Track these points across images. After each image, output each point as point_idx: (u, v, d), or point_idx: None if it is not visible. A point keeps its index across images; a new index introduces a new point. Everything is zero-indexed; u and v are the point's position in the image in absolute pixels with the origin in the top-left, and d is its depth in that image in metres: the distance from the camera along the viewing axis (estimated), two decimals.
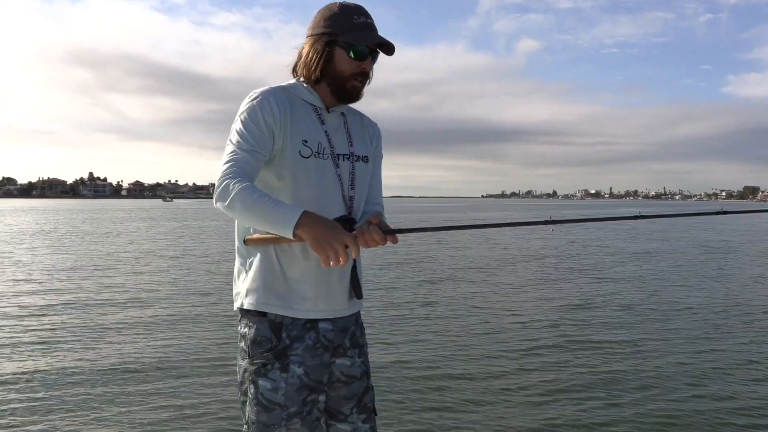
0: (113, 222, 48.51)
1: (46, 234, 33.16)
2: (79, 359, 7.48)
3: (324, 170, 2.16)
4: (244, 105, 2.12)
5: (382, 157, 2.46)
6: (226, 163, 2.02)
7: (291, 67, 2.28)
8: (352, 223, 2.10)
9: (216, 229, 39.84)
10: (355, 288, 2.22)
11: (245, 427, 2.15)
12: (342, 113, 2.30)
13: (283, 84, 2.24)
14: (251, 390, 2.11)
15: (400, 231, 2.07)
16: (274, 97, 2.13)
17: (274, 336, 2.10)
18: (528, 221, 2.31)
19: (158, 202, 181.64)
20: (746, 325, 9.74)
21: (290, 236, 1.90)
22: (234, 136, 2.06)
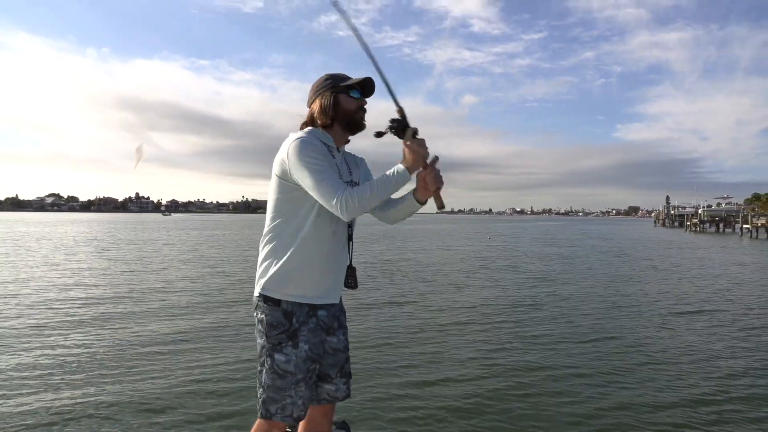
0: (147, 230, 47.72)
1: (99, 240, 32.51)
2: (126, 331, 7.27)
3: None
4: (300, 146, 2.11)
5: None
6: (330, 186, 2.07)
7: (300, 123, 2.33)
8: (402, 122, 2.15)
9: (210, 234, 39.72)
10: (353, 280, 2.32)
11: (260, 390, 2.20)
12: (342, 153, 2.36)
13: (306, 130, 2.26)
14: (268, 362, 2.18)
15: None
16: (315, 137, 2.20)
17: (287, 321, 2.18)
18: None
19: (159, 216, 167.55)
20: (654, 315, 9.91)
21: (409, 175, 2.10)
22: (316, 168, 2.08)
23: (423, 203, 2.24)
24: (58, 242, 29.35)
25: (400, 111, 2.16)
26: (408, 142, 2.11)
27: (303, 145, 2.11)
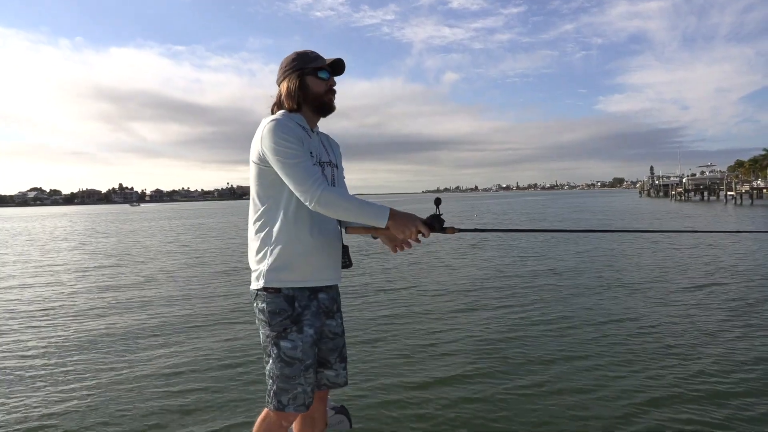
0: (128, 222, 47.04)
1: (90, 232, 31.87)
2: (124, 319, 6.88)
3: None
4: (273, 130, 2.07)
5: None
6: (303, 172, 2.03)
7: (270, 107, 2.30)
8: (442, 222, 2.07)
9: (181, 223, 38.96)
10: (347, 258, 2.30)
11: (270, 381, 2.15)
12: (317, 133, 2.32)
13: (281, 113, 2.22)
14: (274, 351, 2.13)
15: (462, 230, 2.18)
16: (289, 120, 2.14)
17: (289, 306, 2.13)
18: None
19: (127, 206, 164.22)
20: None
21: (383, 226, 2.03)
22: (289, 154, 2.05)
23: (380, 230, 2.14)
24: (40, 237, 28.64)
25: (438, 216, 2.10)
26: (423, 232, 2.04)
27: (277, 127, 2.08)
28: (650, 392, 4.47)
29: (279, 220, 2.14)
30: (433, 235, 2.07)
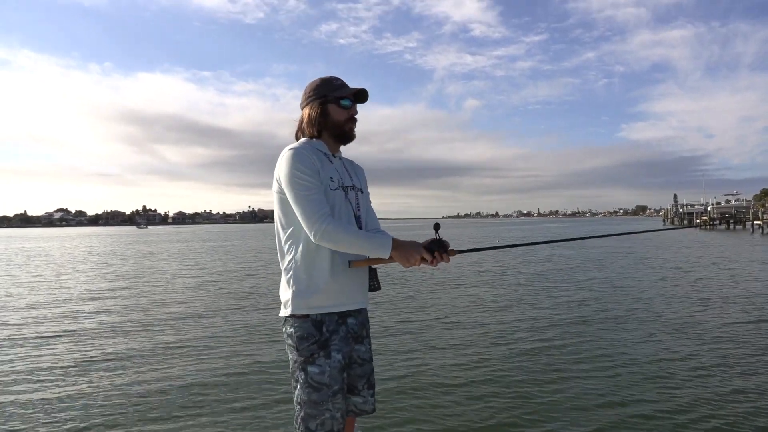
0: (146, 244, 47.67)
1: (114, 254, 32.39)
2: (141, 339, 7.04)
3: (342, 198, 2.22)
4: (290, 160, 2.11)
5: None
6: (310, 206, 2.06)
7: (293, 133, 2.34)
8: (446, 246, 2.12)
9: (194, 245, 39.61)
10: (375, 281, 2.27)
11: (297, 407, 2.12)
12: (340, 158, 2.34)
13: (301, 140, 2.27)
14: (302, 377, 2.11)
15: (462, 252, 2.22)
16: (307, 149, 2.16)
17: (317, 331, 2.12)
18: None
19: (134, 228, 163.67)
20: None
21: (386, 257, 2.07)
22: (301, 185, 2.08)
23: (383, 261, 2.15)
24: (57, 259, 29.18)
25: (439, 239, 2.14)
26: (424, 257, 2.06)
27: (293, 157, 2.10)
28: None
29: (302, 247, 2.13)
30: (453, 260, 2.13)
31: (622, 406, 4.82)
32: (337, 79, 2.29)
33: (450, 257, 2.11)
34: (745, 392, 5.14)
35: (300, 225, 2.12)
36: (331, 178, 2.19)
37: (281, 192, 2.15)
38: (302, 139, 2.27)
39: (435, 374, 5.89)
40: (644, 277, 14.93)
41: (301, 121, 2.30)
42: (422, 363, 6.35)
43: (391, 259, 2.08)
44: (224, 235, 73.87)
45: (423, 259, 2.06)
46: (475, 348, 7.05)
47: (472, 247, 2.22)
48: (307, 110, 2.26)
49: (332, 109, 2.23)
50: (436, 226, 2.18)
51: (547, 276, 15.82)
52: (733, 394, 5.12)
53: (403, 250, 2.07)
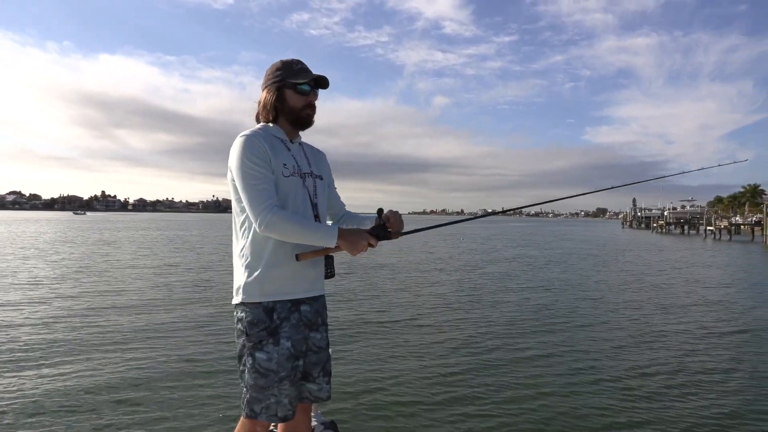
0: (85, 231, 46.41)
1: (63, 242, 31.35)
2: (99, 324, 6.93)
3: (298, 185, 2.19)
4: (240, 148, 2.09)
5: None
6: (255, 196, 2.05)
7: (254, 116, 2.31)
8: (386, 230, 2.17)
9: (130, 232, 38.77)
10: (330, 269, 2.27)
11: (244, 389, 2.14)
12: (299, 144, 2.31)
13: (256, 127, 2.22)
14: (249, 362, 2.12)
15: (408, 232, 2.26)
16: (258, 135, 2.14)
17: (267, 318, 2.12)
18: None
19: (68, 214, 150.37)
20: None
21: (333, 246, 2.09)
22: (248, 173, 2.07)
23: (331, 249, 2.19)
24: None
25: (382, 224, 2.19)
26: (373, 244, 2.13)
27: (243, 145, 2.09)
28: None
29: (256, 235, 2.12)
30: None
31: (586, 419, 4.94)
32: (299, 62, 2.25)
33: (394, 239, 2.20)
34: (698, 394, 5.42)
35: None
36: (285, 164, 2.16)
37: (234, 180, 2.13)
38: (258, 125, 2.25)
39: (390, 380, 5.97)
40: (606, 279, 15.38)
41: (259, 105, 2.28)
42: (378, 368, 6.43)
43: (338, 248, 2.10)
44: (184, 224, 72.43)
45: (369, 245, 2.12)
46: (433, 350, 7.17)
47: (416, 228, 2.27)
48: (264, 94, 2.24)
49: (289, 95, 2.21)
50: (380, 212, 2.19)
51: (512, 275, 16.11)
52: (685, 396, 5.38)
53: (349, 238, 2.09)
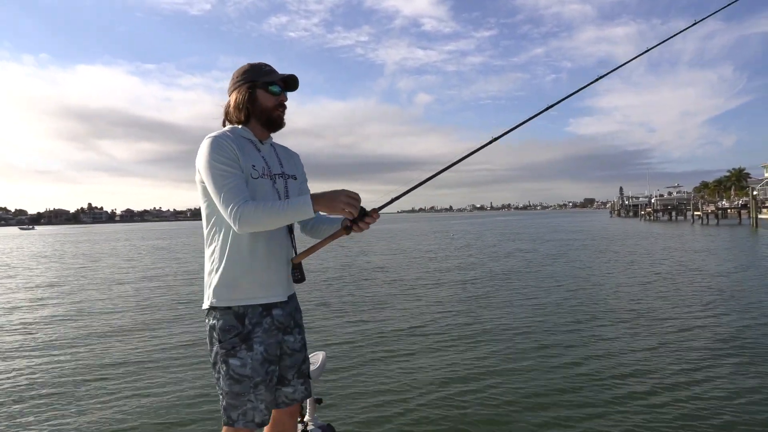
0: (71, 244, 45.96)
1: (54, 256, 30.97)
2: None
3: (267, 186, 2.16)
4: (208, 149, 2.06)
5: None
6: (227, 195, 2.01)
7: (221, 120, 2.28)
8: (363, 210, 2.09)
9: (86, 244, 38.32)
10: (299, 272, 2.23)
11: (220, 397, 2.13)
12: (271, 144, 2.30)
13: (224, 129, 2.19)
14: (223, 368, 2.10)
15: (381, 207, 2.15)
16: (226, 137, 2.10)
17: (239, 324, 2.10)
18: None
19: (15, 230, 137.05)
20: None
21: (313, 215, 2.01)
22: (218, 174, 2.03)
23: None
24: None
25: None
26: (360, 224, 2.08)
27: (211, 146, 2.06)
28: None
29: (224, 238, 2.11)
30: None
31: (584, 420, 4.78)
32: (267, 65, 2.25)
33: (375, 217, 2.13)
34: (695, 383, 5.28)
35: (222, 216, 2.08)
36: (254, 166, 2.14)
37: (203, 182, 2.10)
38: (226, 127, 2.23)
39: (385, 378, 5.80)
40: (601, 268, 15.33)
41: (228, 107, 2.25)
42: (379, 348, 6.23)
43: (317, 213, 2.06)
44: (170, 232, 71.99)
45: (350, 197, 2.02)
46: (434, 352, 7.01)
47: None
48: (234, 95, 2.22)
49: (260, 95, 2.20)
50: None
51: (508, 273, 16.03)
52: (685, 384, 5.25)
53: (326, 198, 2.03)
